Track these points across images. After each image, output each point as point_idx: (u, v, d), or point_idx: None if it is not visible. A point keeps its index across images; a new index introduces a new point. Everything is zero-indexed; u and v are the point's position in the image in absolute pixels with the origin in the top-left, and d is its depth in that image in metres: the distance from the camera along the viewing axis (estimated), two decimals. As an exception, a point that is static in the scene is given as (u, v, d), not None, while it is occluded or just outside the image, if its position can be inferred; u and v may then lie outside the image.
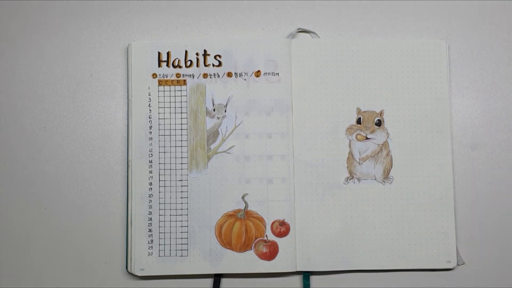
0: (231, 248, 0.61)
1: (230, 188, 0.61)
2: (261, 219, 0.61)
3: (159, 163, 0.62)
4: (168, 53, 0.63)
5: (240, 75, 0.63)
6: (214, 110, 0.62)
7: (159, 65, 0.63)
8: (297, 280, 0.62)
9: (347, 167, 0.62)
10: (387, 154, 0.62)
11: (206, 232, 0.61)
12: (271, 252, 0.61)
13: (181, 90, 0.63)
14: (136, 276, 0.61)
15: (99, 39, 0.65)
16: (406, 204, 0.62)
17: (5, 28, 0.65)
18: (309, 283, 0.61)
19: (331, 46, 0.63)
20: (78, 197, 0.63)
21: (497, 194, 0.62)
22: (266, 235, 0.61)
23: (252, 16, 0.65)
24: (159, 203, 0.61)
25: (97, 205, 0.63)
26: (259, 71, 0.63)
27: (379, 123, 0.62)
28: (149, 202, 0.61)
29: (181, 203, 0.61)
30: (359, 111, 0.62)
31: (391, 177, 0.62)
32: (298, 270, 0.61)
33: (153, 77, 0.63)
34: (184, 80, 0.63)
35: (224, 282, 0.62)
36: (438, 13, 0.65)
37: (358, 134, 0.62)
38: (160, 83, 0.63)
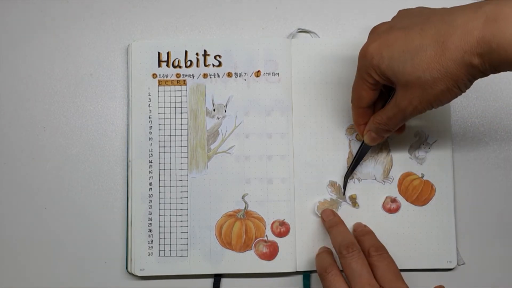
0: (231, 248, 0.61)
1: (230, 188, 0.61)
2: (261, 219, 0.61)
3: (159, 163, 0.62)
4: (168, 53, 0.63)
5: (240, 75, 0.63)
6: (214, 110, 0.62)
7: (159, 65, 0.63)
8: (297, 280, 0.62)
9: (347, 167, 0.62)
10: (387, 154, 0.62)
11: (206, 232, 0.61)
12: (271, 252, 0.61)
13: (181, 90, 0.63)
14: (136, 276, 0.61)
15: (99, 39, 0.65)
16: (406, 204, 0.62)
17: (5, 28, 0.65)
18: (309, 283, 0.61)
19: (331, 46, 0.63)
20: (78, 197, 0.63)
21: (497, 194, 0.62)
22: (266, 235, 0.61)
23: (252, 16, 0.65)
24: (159, 203, 0.61)
25: (97, 205, 0.63)
26: (259, 71, 0.62)
27: (379, 123, 0.62)
28: (149, 202, 0.61)
29: (181, 203, 0.61)
30: (359, 111, 0.62)
31: (391, 177, 0.62)
32: (298, 270, 0.61)
33: (153, 77, 0.63)
34: (184, 80, 0.63)
35: (224, 282, 0.62)
36: (438, 13, 0.65)
37: (358, 134, 0.62)
38: (160, 83, 0.63)
